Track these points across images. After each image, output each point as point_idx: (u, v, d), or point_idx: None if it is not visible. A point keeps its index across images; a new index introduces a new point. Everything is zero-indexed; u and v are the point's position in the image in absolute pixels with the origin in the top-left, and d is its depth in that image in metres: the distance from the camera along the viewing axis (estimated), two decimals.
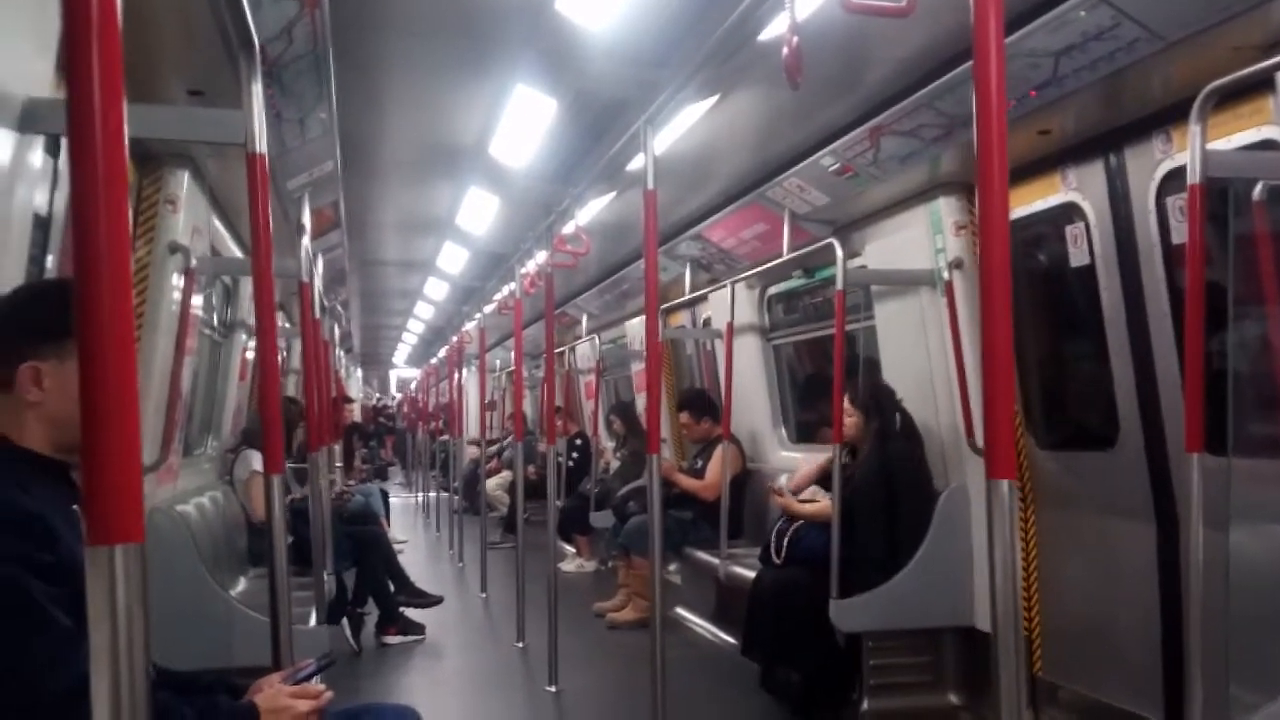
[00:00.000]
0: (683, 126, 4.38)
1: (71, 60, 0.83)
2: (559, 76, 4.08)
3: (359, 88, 4.26)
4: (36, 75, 2.32)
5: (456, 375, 11.76)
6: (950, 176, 4.30)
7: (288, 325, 7.45)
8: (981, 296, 1.59)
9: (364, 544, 6.36)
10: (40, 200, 2.65)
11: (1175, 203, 3.40)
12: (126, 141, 0.85)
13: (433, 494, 13.93)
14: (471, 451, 13.41)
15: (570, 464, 9.90)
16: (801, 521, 4.80)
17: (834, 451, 4.47)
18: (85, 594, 0.84)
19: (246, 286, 5.46)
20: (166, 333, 3.85)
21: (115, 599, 0.84)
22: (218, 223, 4.61)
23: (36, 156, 2.46)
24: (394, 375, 29.61)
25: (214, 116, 2.41)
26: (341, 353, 14.17)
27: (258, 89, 2.14)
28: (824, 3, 3.03)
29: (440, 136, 5.39)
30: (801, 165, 4.60)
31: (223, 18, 2.01)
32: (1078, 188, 3.87)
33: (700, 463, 6.64)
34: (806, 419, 6.45)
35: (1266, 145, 3.00)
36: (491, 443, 12.68)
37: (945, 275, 4.42)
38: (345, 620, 6.25)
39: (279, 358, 8.07)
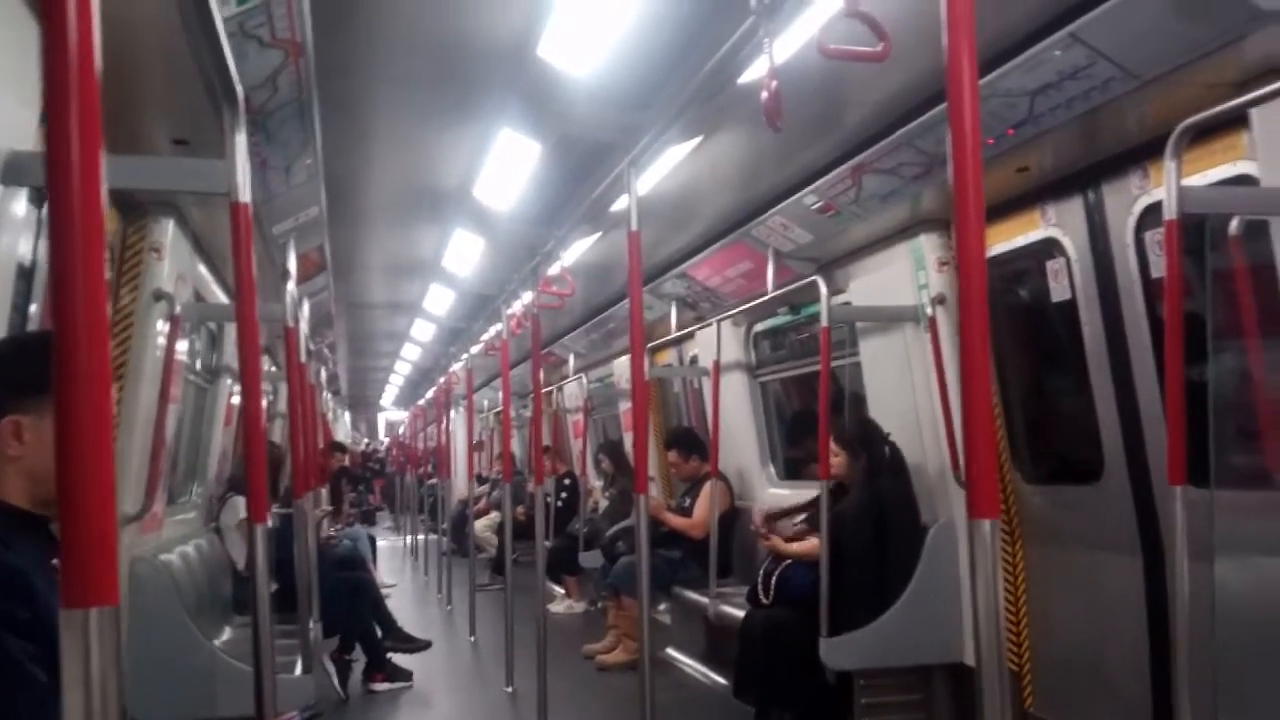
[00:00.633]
0: (666, 167, 4.42)
1: (51, 114, 0.84)
2: (542, 120, 4.12)
3: (344, 133, 4.29)
4: (20, 127, 2.33)
5: (445, 417, 11.73)
6: (931, 213, 4.34)
7: (274, 369, 7.42)
8: (960, 334, 1.60)
9: (351, 589, 6.30)
10: (24, 250, 2.66)
11: (1154, 237, 3.44)
12: (105, 194, 0.86)
13: (421, 536, 13.84)
14: (460, 492, 13.36)
15: (559, 504, 9.86)
16: (789, 561, 4.79)
17: (821, 488, 4.47)
18: None
19: (231, 332, 5.45)
20: (150, 380, 3.84)
21: (90, 662, 0.83)
22: (203, 269, 4.61)
23: (20, 207, 2.46)
24: (382, 418, 29.51)
25: (197, 167, 2.42)
26: (329, 395, 14.13)
27: (241, 139, 2.15)
28: (803, 46, 3.07)
29: (425, 180, 5.43)
30: (784, 204, 4.64)
31: (206, 68, 2.02)
32: (1057, 223, 3.90)
33: (689, 501, 6.63)
34: (794, 456, 6.44)
35: (1242, 180, 3.04)
36: (483, 481, 12.64)
37: (929, 311, 4.45)
38: (332, 667, 6.19)
39: (264, 402, 8.04)
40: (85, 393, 0.84)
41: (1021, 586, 4.36)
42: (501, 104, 4.02)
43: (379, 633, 6.52)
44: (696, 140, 4.08)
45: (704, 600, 5.72)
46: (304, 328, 5.53)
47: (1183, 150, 2.62)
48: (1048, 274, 4.02)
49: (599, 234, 5.56)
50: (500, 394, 7.53)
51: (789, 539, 4.98)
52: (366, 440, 28.10)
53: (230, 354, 5.65)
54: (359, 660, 6.45)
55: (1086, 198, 3.74)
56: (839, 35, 2.13)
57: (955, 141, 1.62)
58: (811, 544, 4.69)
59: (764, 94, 2.27)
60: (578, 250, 5.90)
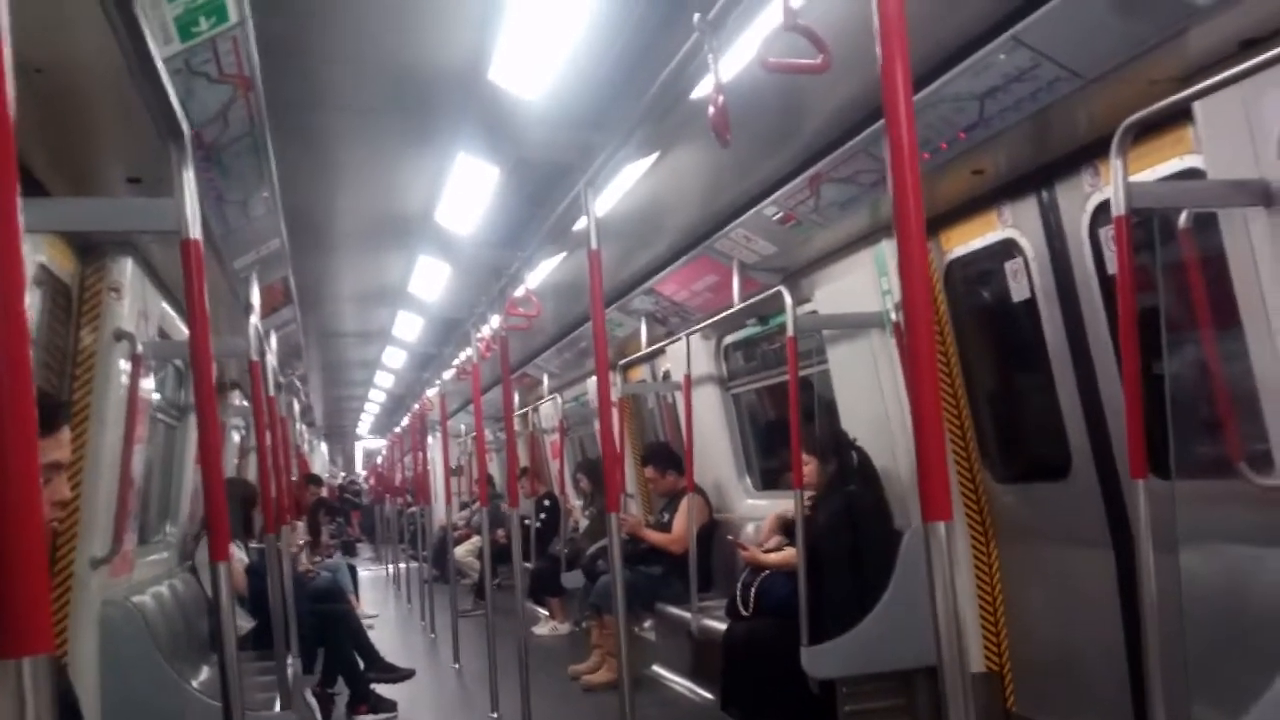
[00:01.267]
0: (625, 185, 4.43)
1: None
2: (498, 144, 4.13)
3: (302, 165, 4.29)
4: None
5: (421, 443, 11.68)
6: (891, 220, 4.36)
7: (245, 404, 7.37)
8: (908, 343, 1.62)
9: (331, 622, 6.25)
10: None
11: (1108, 234, 3.47)
12: (21, 237, 0.85)
13: (403, 565, 13.75)
14: (440, 518, 13.31)
15: (539, 525, 9.83)
16: (767, 572, 4.79)
17: (795, 497, 4.48)
18: None
19: None
20: (115, 421, 3.80)
21: (25, 713, 0.82)
22: (166, 306, 4.58)
23: None
24: (360, 446, 29.32)
25: (147, 206, 2.41)
26: (303, 427, 14.04)
27: (189, 175, 2.15)
28: (751, 60, 3.09)
29: (387, 207, 5.43)
30: (746, 216, 4.66)
31: (152, 106, 2.02)
32: (1014, 224, 3.94)
33: (667, 516, 6.62)
34: (769, 466, 6.45)
35: (1190, 174, 3.08)
36: (464, 505, 12.58)
37: (893, 316, 4.47)
38: (314, 702, 6.13)
39: (238, 436, 7.95)
40: (11, 439, 0.83)
41: (998, 586, 4.39)
42: (456, 129, 4.03)
43: (361, 664, 6.47)
44: (653, 157, 4.10)
45: (687, 616, 5.71)
46: (271, 360, 5.50)
47: (1128, 146, 2.66)
48: (1007, 274, 4.06)
49: (564, 254, 5.57)
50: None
51: (767, 550, 4.98)
52: (343, 474, 27.88)
53: None
54: (342, 694, 6.39)
55: (1041, 197, 3.78)
56: (781, 49, 2.15)
57: (893, 146, 1.63)
58: (789, 554, 4.70)
59: (711, 109, 2.29)
60: (544, 271, 5.90)
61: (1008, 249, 4.02)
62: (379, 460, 22.35)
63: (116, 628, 3.77)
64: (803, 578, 4.32)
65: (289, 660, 4.54)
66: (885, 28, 1.62)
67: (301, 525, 9.45)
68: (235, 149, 3.18)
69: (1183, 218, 2.86)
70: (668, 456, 6.87)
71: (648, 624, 7.06)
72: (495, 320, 5.82)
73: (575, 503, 9.39)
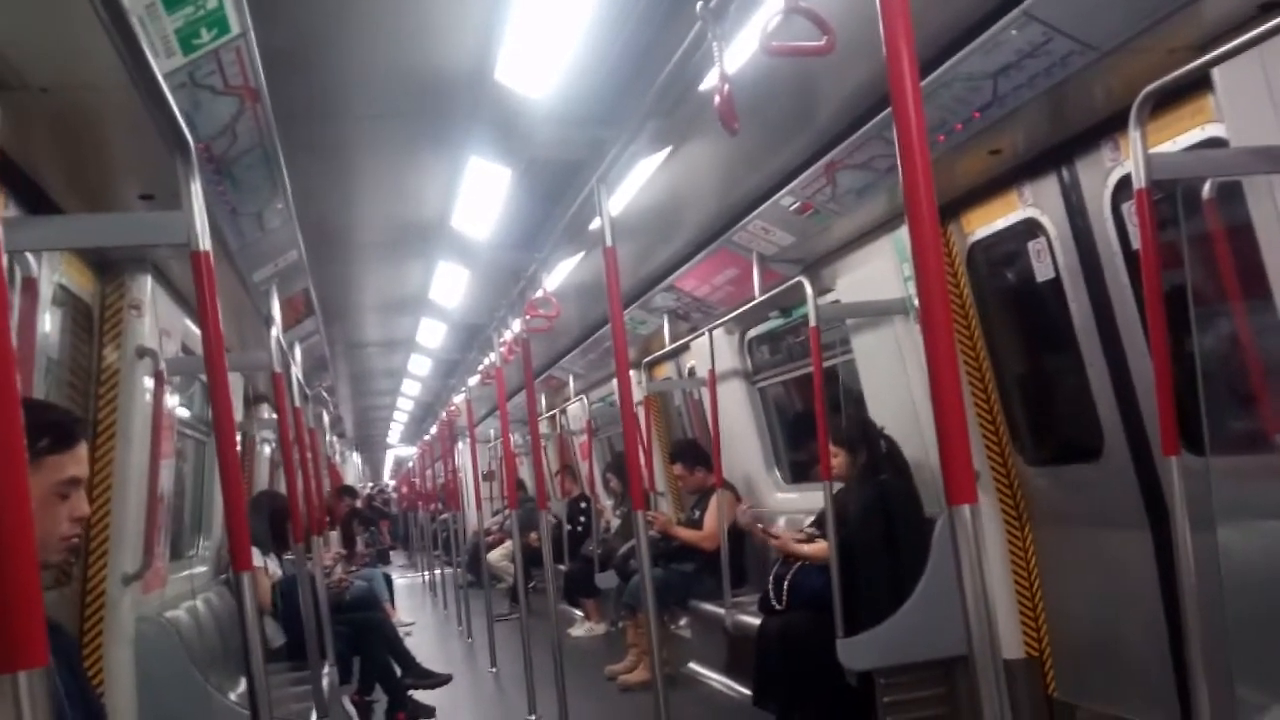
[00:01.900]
0: (640, 181, 4.41)
1: None
2: (509, 145, 4.12)
3: (315, 175, 4.29)
4: None
5: (450, 450, 11.71)
6: None
7: (274, 417, 7.41)
8: (923, 326, 1.59)
9: (366, 630, 6.28)
10: None
11: (1131, 209, 3.41)
12: (3, 253, 0.84)
13: (438, 571, 13.80)
14: (474, 523, 13.34)
15: (579, 528, 9.80)
16: (798, 565, 4.75)
17: (824, 489, 4.44)
18: None
19: (233, 381, 5.43)
20: (141, 437, 3.82)
21: None
22: (188, 322, 4.61)
23: None
24: (391, 455, 29.47)
25: (158, 219, 2.41)
26: (334, 438, 14.13)
27: (196, 188, 2.14)
28: (759, 48, 3.06)
29: (402, 214, 5.43)
30: (763, 207, 4.63)
31: (158, 121, 2.02)
32: (1035, 203, 3.89)
33: (698, 513, 6.59)
34: (798, 459, 6.41)
35: (1212, 143, 3.02)
36: (498, 510, 12.59)
37: (916, 302, 4.41)
38: (354, 710, 6.15)
39: (269, 449, 7.99)
40: None
41: (1034, 570, 4.33)
42: (466, 132, 4.02)
43: (398, 671, 6.49)
44: (666, 152, 4.07)
45: (721, 612, 5.68)
46: (297, 372, 5.52)
47: (1145, 118, 2.60)
48: (1030, 254, 4.00)
49: (582, 253, 5.55)
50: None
51: (799, 542, 4.94)
52: (370, 484, 28.01)
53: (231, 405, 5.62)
54: (380, 701, 6.42)
55: (1061, 175, 3.72)
56: (785, 33, 2.12)
57: (900, 128, 1.60)
58: (821, 546, 4.66)
59: (716, 98, 2.26)
60: (564, 271, 5.89)
61: (1030, 229, 3.96)
62: (408, 468, 22.46)
63: (151, 644, 3.79)
64: (835, 569, 4.29)
65: (324, 670, 4.54)
66: (888, 8, 1.59)
67: (335, 536, 9.51)
68: (246, 161, 3.18)
69: (1206, 188, 2.80)
70: (695, 453, 6.84)
71: (682, 621, 7.04)
72: (516, 323, 5.82)
73: (606, 503, 9.38)
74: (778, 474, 6.56)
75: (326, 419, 9.85)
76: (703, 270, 5.71)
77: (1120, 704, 3.92)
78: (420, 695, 6.52)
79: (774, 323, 6.17)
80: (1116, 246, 3.53)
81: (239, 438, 5.95)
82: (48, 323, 3.25)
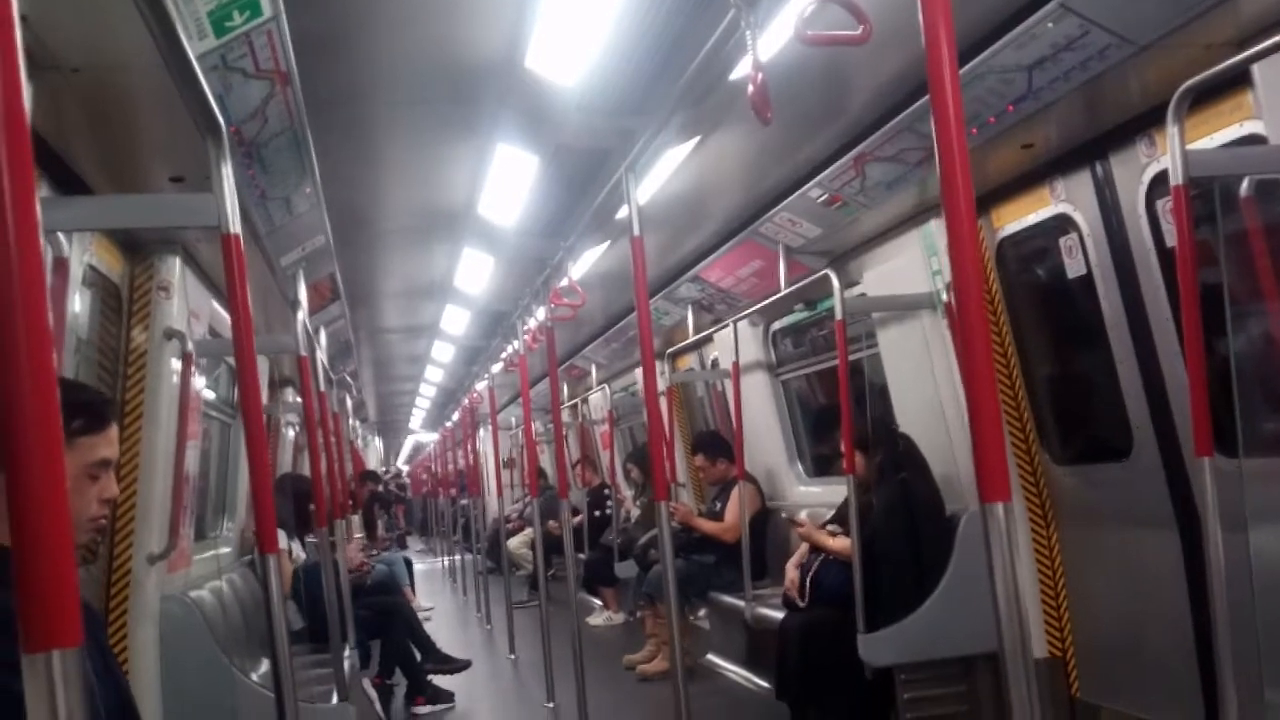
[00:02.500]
0: (667, 171, 4.39)
1: None
2: (537, 133, 4.11)
3: (343, 160, 4.30)
4: None
5: (471, 437, 11.75)
6: (939, 198, 4.27)
7: (299, 400, 7.45)
8: (960, 320, 1.57)
9: (386, 614, 6.31)
10: None
11: (1166, 206, 3.37)
12: (41, 233, 0.84)
13: (457, 557, 13.86)
14: (494, 510, 13.38)
15: (601, 515, 9.79)
16: (820, 561, 4.74)
17: (848, 484, 4.42)
18: None
19: (260, 365, 5.45)
20: (168, 419, 3.84)
21: (55, 708, 0.81)
22: (216, 305, 4.63)
23: None
24: (411, 440, 29.56)
25: (188, 201, 2.42)
26: (357, 423, 14.19)
27: (227, 170, 2.15)
28: (791, 37, 3.04)
29: (429, 201, 5.43)
30: (790, 199, 4.60)
31: (190, 103, 2.02)
32: (1067, 198, 3.84)
33: (719, 505, 6.58)
34: (820, 452, 6.38)
35: (1251, 140, 2.98)
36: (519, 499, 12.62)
37: (944, 297, 4.39)
38: (374, 693, 6.19)
39: (292, 433, 8.02)
40: (36, 434, 0.82)
41: (1059, 570, 4.29)
42: (495, 119, 4.01)
43: (418, 656, 6.52)
44: (694, 141, 4.05)
45: (741, 604, 5.67)
46: (321, 356, 5.54)
47: (1184, 114, 2.56)
48: (1061, 250, 3.96)
49: (608, 242, 5.54)
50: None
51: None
52: (385, 469, 28.13)
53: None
54: (400, 685, 6.45)
55: (1094, 170, 3.68)
56: (820, 22, 2.10)
57: (938, 119, 1.58)
58: (846, 542, 4.64)
59: (750, 87, 2.24)
60: (589, 260, 5.88)
61: (1061, 224, 3.92)
62: (424, 454, 22.52)
63: (174, 622, 3.82)
64: (858, 565, 4.27)
65: (345, 653, 4.57)
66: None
67: (356, 520, 9.56)
68: (275, 145, 3.19)
69: (1244, 186, 2.76)
70: (717, 444, 6.82)
71: (702, 613, 7.04)
72: (540, 311, 5.82)
73: (626, 493, 9.38)
74: (800, 467, 6.54)
75: (350, 403, 9.89)
76: (728, 261, 5.69)
77: (1144, 706, 3.89)
78: (440, 680, 6.55)
79: (798, 315, 6.15)
80: (1150, 244, 3.48)
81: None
82: (77, 303, 3.27)
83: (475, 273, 7.00)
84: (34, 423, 0.82)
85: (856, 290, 4.99)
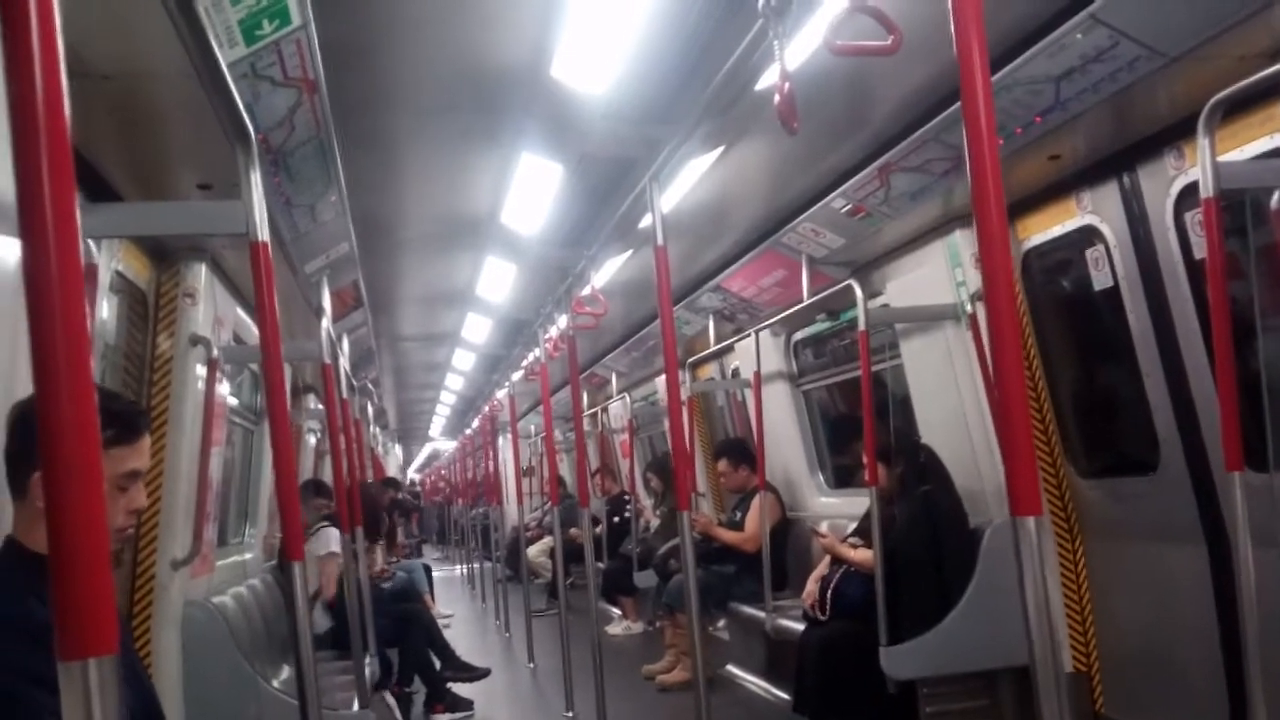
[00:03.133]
0: (691, 180, 4.39)
1: (20, 163, 0.82)
2: (562, 141, 4.12)
3: (368, 167, 4.32)
4: None
5: (491, 444, 11.76)
6: (964, 209, 4.26)
7: (321, 407, 7.48)
8: (990, 330, 1.55)
9: (406, 621, 6.32)
10: None
11: (1194, 218, 3.34)
12: (81, 241, 0.84)
13: (476, 565, 13.87)
14: (513, 518, 13.38)
15: (621, 521, 9.77)
16: (841, 573, 4.71)
17: (870, 496, 4.39)
18: None
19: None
20: (192, 425, 3.86)
21: (91, 715, 0.81)
22: (241, 312, 4.65)
23: None
24: (429, 448, 29.62)
25: (217, 209, 2.44)
26: (378, 430, 14.24)
27: (256, 178, 2.16)
28: (818, 47, 3.03)
29: (452, 209, 5.45)
30: (814, 209, 4.59)
31: (219, 111, 2.03)
32: (1094, 210, 3.82)
33: (739, 515, 6.56)
34: (841, 463, 6.36)
35: None
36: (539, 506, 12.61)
37: (968, 308, 4.36)
38: (393, 701, 6.19)
39: (314, 440, 8.05)
40: (74, 444, 0.82)
41: (1084, 584, 4.25)
42: (520, 128, 4.02)
43: (437, 664, 6.52)
44: (719, 151, 4.05)
45: (761, 615, 5.65)
46: (344, 363, 5.56)
47: (1215, 126, 2.54)
48: (1088, 262, 3.93)
49: (630, 251, 5.54)
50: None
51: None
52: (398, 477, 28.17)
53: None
54: (419, 692, 6.45)
55: (1122, 182, 3.66)
56: (848, 32, 2.09)
57: (970, 130, 1.56)
58: (868, 554, 4.61)
59: (777, 97, 2.23)
60: (611, 269, 5.88)
61: (1087, 236, 3.89)
62: (438, 462, 22.53)
63: (198, 627, 3.84)
64: (880, 578, 4.24)
65: (366, 660, 4.57)
66: (960, 7, 1.56)
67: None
68: (302, 153, 3.20)
69: (1275, 198, 2.73)
70: (741, 451, 6.79)
71: (721, 623, 7.00)
72: (562, 320, 5.82)
73: (646, 502, 9.37)
74: (820, 478, 6.51)
75: (370, 410, 9.92)
76: (750, 271, 5.68)
77: None
78: (459, 688, 6.54)
79: (820, 325, 6.13)
80: (1178, 256, 3.45)
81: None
82: (105, 309, 3.30)
83: (497, 281, 7.02)
84: (72, 431, 0.82)
85: (879, 301, 4.97)
